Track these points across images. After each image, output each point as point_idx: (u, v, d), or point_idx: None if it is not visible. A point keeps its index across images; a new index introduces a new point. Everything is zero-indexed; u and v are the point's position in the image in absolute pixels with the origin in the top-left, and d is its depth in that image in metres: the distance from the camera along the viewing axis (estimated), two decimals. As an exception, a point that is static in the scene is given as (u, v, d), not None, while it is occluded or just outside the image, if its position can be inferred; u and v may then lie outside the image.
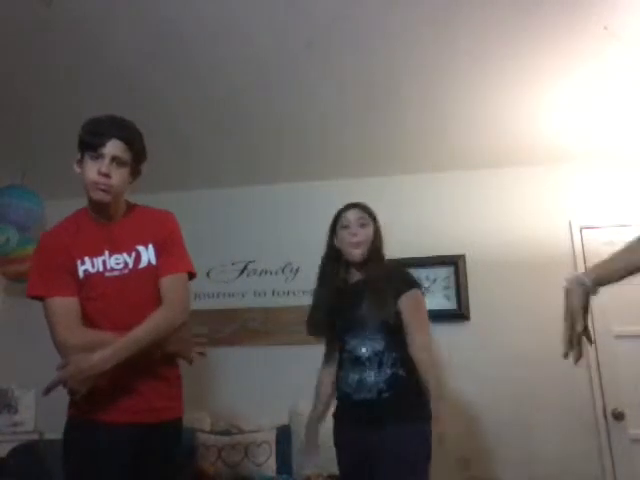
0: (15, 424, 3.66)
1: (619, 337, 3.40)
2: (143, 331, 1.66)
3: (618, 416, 3.30)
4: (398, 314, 2.04)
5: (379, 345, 2.02)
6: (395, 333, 2.03)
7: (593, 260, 3.52)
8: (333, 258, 2.23)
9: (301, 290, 3.83)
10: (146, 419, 1.71)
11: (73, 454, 1.71)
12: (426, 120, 3.19)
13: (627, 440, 3.28)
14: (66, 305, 1.69)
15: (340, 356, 2.16)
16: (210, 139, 3.38)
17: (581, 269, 3.55)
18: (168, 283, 1.77)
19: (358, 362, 2.03)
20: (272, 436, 3.37)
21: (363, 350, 2.03)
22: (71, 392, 1.63)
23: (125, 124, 1.77)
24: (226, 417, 3.53)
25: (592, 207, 3.63)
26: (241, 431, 3.41)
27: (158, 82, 2.76)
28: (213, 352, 3.66)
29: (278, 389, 3.58)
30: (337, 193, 3.93)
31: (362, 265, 2.16)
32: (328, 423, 2.22)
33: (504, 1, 2.23)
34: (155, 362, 1.73)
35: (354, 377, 2.03)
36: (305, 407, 3.41)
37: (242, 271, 3.94)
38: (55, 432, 3.41)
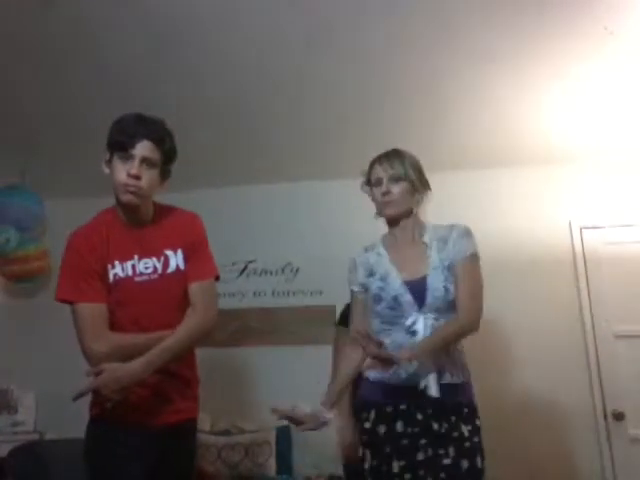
0: (15, 424, 3.66)
1: (619, 337, 3.40)
2: (177, 339, 1.69)
3: (618, 416, 3.30)
4: None
5: None
6: None
7: (593, 260, 3.54)
8: None
9: (301, 290, 3.83)
10: (169, 419, 1.75)
11: (98, 454, 1.72)
12: (425, 120, 3.18)
13: (627, 440, 3.28)
14: (94, 311, 1.69)
15: None
16: (210, 138, 3.38)
17: (581, 269, 3.55)
18: (198, 289, 1.78)
19: None
20: (272, 436, 3.37)
21: None
22: (103, 399, 1.63)
23: (155, 124, 1.74)
24: (226, 417, 3.53)
25: (592, 207, 3.63)
26: (241, 431, 3.41)
27: (158, 81, 2.76)
28: (213, 352, 3.65)
29: (278, 389, 3.57)
30: (337, 193, 3.95)
31: None
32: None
33: (504, 1, 2.23)
34: (178, 364, 1.76)
35: None
36: (305, 407, 3.43)
37: (242, 271, 3.94)
38: (55, 432, 3.43)
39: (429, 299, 1.72)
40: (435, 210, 4.13)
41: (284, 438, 3.38)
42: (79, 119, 3.06)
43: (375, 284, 1.80)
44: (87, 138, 3.26)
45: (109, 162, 1.73)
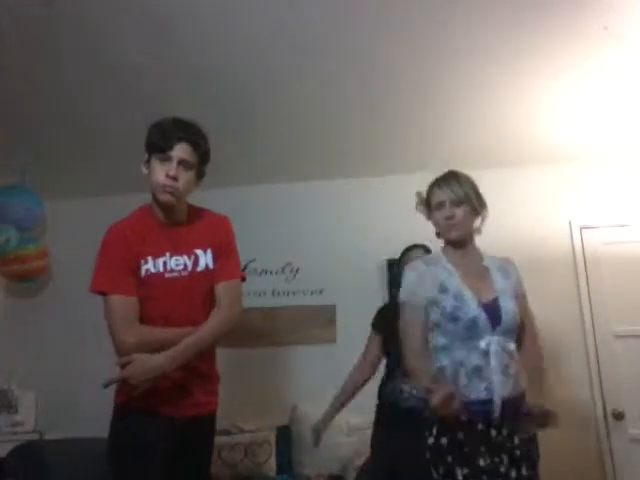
0: (15, 424, 3.65)
1: (619, 337, 3.40)
2: (204, 334, 1.78)
3: (618, 416, 3.30)
4: None
5: None
6: None
7: (593, 260, 3.54)
8: None
9: (301, 290, 3.83)
10: (191, 411, 1.82)
11: (123, 441, 1.77)
12: (426, 120, 3.19)
13: (627, 440, 3.28)
14: (126, 304, 1.76)
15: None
16: (210, 138, 3.37)
17: (581, 269, 3.55)
18: (225, 289, 1.89)
19: None
20: (272, 436, 3.37)
21: None
22: (130, 388, 1.69)
23: (192, 127, 1.85)
24: (226, 417, 3.53)
25: (592, 207, 3.63)
26: (241, 431, 3.41)
27: (158, 82, 2.76)
28: (213, 352, 3.66)
29: (278, 389, 3.58)
30: (337, 193, 3.96)
31: None
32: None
33: (503, 1, 2.23)
34: (199, 360, 1.83)
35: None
36: (305, 407, 3.43)
37: (242, 271, 3.94)
38: (55, 432, 3.43)
39: (503, 321, 1.78)
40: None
41: (284, 438, 3.38)
42: (79, 119, 3.06)
43: (449, 302, 1.79)
44: (87, 138, 3.27)
45: (147, 163, 1.82)
